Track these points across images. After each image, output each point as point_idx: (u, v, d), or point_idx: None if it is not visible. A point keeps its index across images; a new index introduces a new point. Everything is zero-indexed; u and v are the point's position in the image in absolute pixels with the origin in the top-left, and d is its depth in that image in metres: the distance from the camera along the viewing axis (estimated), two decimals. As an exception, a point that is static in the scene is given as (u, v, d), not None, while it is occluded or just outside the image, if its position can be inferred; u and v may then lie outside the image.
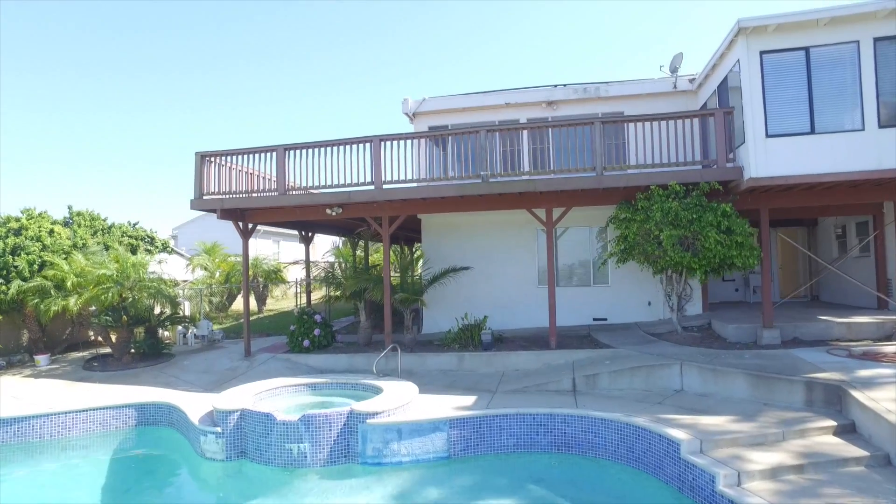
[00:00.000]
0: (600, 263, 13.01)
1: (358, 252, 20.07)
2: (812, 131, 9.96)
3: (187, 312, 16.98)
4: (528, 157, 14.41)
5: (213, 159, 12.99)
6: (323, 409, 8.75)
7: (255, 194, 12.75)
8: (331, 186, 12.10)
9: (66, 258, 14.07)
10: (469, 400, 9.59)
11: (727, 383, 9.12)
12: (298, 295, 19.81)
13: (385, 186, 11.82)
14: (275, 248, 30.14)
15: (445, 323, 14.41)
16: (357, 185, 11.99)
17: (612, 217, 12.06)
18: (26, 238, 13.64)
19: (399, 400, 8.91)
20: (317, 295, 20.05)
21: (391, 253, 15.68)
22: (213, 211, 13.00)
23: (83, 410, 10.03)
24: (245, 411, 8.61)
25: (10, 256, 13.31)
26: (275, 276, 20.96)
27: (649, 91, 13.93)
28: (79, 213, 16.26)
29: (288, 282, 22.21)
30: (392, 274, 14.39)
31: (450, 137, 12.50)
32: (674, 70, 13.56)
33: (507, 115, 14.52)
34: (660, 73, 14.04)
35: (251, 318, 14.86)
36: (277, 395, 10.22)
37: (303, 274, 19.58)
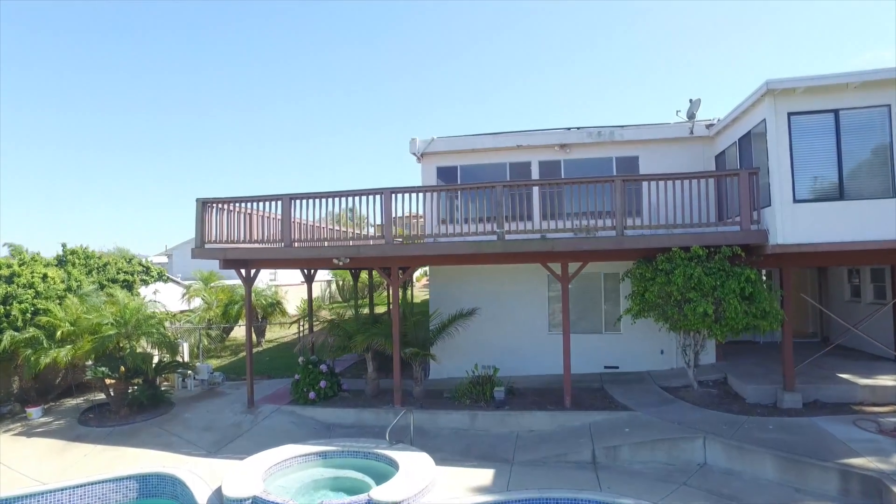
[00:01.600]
0: (616, 320, 12.70)
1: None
2: (841, 197, 9.67)
3: (186, 354, 16.46)
4: (539, 203, 14.09)
5: (215, 206, 12.51)
6: (338, 496, 8.36)
7: (258, 244, 12.28)
8: (339, 240, 11.68)
9: (59, 303, 13.54)
10: (487, 476, 9.24)
11: (754, 462, 8.82)
12: (301, 328, 19.34)
13: (396, 241, 11.41)
14: (272, 271, 29.54)
15: (454, 367, 14.07)
16: (366, 238, 11.57)
17: (629, 272, 11.74)
18: (18, 286, 13.09)
19: (418, 482, 8.53)
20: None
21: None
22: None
23: (81, 486, 9.55)
24: (257, 500, 8.20)
25: (2, 306, 12.76)
26: (274, 310, 20.50)
27: (665, 136, 13.61)
28: (73, 252, 15.70)
29: (289, 315, 21.73)
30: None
31: (465, 186, 12.03)
32: (691, 116, 13.25)
33: (518, 157, 14.15)
34: (676, 118, 13.74)
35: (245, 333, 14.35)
36: (287, 469, 9.80)
37: (304, 292, 19.06)
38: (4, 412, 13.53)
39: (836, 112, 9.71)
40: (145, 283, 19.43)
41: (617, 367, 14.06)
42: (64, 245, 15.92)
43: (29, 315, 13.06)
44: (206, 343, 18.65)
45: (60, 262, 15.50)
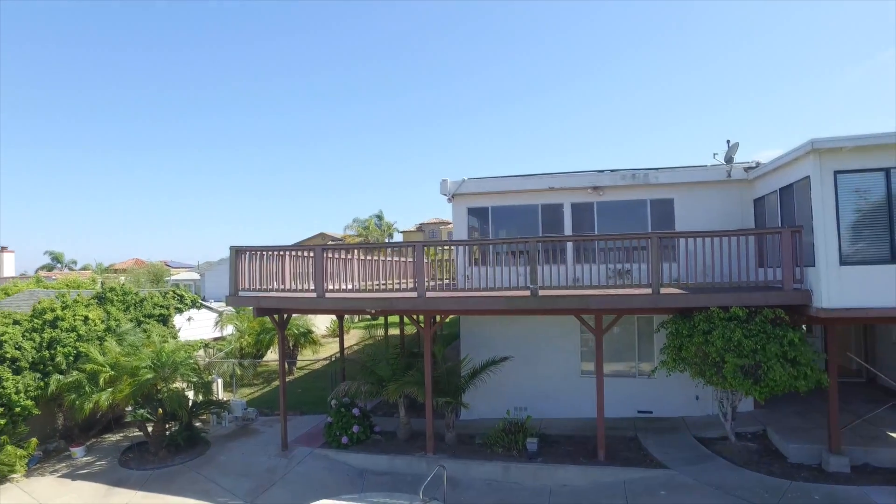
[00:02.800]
0: (651, 371, 12.47)
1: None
2: (892, 260, 9.29)
3: (220, 389, 16.74)
4: (571, 246, 13.93)
5: (248, 254, 12.66)
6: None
7: (292, 293, 12.37)
8: (371, 290, 11.72)
9: (100, 344, 13.89)
10: (522, 544, 9.16)
11: (799, 539, 8.57)
12: (332, 358, 19.48)
13: (428, 294, 11.38)
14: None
15: (486, 408, 14.03)
16: (399, 290, 11.58)
17: (664, 323, 11.51)
18: (62, 330, 13.46)
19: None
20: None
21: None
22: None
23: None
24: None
25: (47, 351, 13.15)
26: (306, 338, 20.69)
27: (701, 179, 13.30)
28: (111, 289, 16.09)
29: (320, 339, 21.90)
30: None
31: (498, 241, 11.91)
32: (729, 160, 12.90)
33: (550, 198, 13.98)
34: (712, 161, 13.40)
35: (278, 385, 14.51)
36: (322, 529, 9.84)
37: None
38: (50, 449, 13.95)
39: (886, 171, 9.33)
40: (179, 311, 19.75)
41: (651, 412, 13.83)
42: (103, 283, 16.28)
43: (72, 358, 13.42)
44: (239, 372, 18.94)
45: (100, 298, 15.89)
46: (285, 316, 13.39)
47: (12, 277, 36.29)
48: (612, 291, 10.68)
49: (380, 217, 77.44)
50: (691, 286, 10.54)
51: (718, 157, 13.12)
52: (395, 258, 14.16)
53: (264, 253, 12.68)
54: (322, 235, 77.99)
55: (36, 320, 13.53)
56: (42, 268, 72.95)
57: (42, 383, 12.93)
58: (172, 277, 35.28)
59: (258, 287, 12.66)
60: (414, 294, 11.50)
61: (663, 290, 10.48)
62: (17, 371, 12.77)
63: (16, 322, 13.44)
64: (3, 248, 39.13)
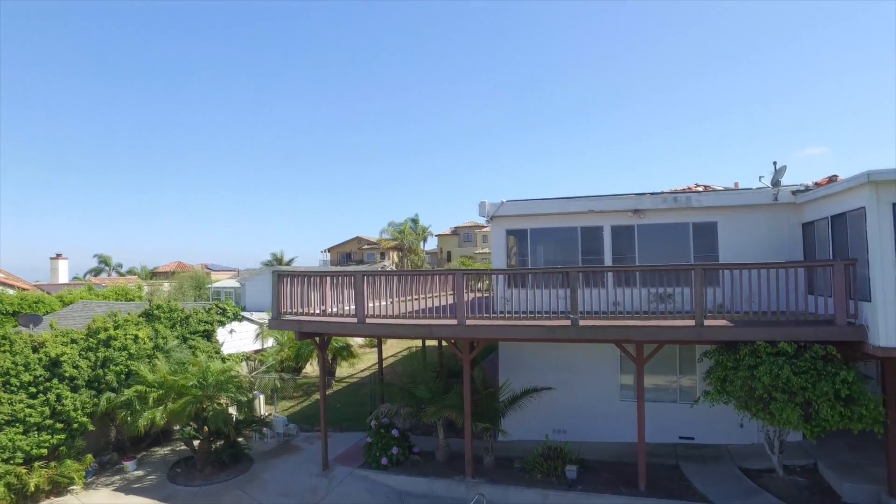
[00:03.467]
0: (692, 403, 12.22)
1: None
2: (954, 297, 8.89)
3: (262, 405, 17.14)
4: (611, 265, 13.77)
5: (288, 278, 12.95)
6: None
7: (333, 318, 12.58)
8: (412, 316, 11.83)
9: (149, 362, 14.39)
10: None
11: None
12: (371, 371, 19.67)
13: (468, 323, 11.41)
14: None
15: (524, 429, 13.98)
16: (439, 317, 11.66)
17: (708, 353, 11.28)
18: (114, 349, 14.00)
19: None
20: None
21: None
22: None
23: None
24: None
25: (101, 369, 13.69)
26: (345, 352, 21.00)
27: (745, 203, 12.95)
28: (158, 306, 16.64)
29: (358, 356, 22.19)
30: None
31: (537, 270, 11.86)
32: (776, 183, 12.53)
33: (589, 221, 13.83)
34: (758, 183, 13.05)
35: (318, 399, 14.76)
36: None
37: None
38: (104, 461, 14.52)
39: (947, 204, 8.93)
40: (222, 324, 20.28)
41: (692, 439, 13.56)
42: (150, 301, 16.88)
43: (123, 376, 13.95)
44: (279, 385, 19.32)
45: (148, 316, 16.45)
46: (326, 338, 13.61)
47: (66, 284, 37.82)
48: (653, 323, 10.50)
49: (415, 221, 77.93)
50: (736, 319, 10.28)
51: (765, 179, 12.77)
52: (431, 273, 14.22)
53: (305, 278, 12.95)
54: (358, 239, 79.01)
55: (91, 339, 14.10)
56: (91, 271, 75.86)
57: (97, 400, 13.48)
58: (214, 285, 36.20)
59: (300, 311, 12.93)
60: (454, 321, 11.56)
61: (707, 322, 10.25)
62: (75, 389, 13.35)
63: (73, 341, 14.03)
64: (57, 255, 40.86)
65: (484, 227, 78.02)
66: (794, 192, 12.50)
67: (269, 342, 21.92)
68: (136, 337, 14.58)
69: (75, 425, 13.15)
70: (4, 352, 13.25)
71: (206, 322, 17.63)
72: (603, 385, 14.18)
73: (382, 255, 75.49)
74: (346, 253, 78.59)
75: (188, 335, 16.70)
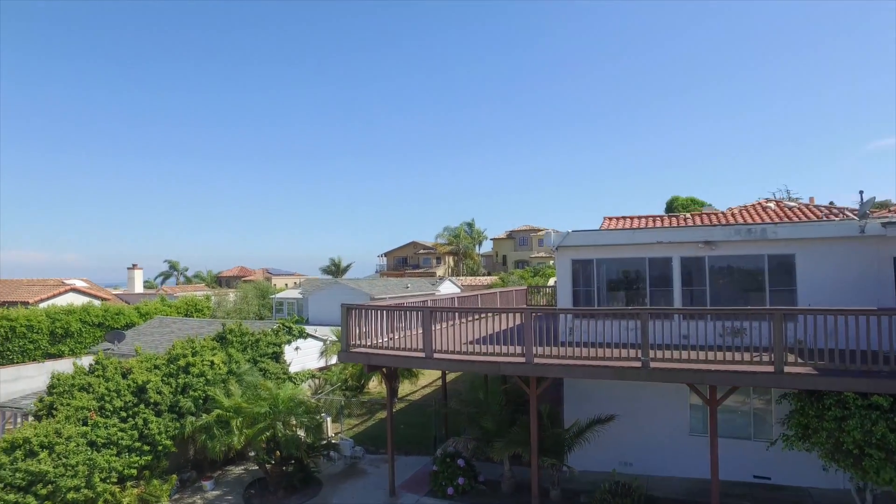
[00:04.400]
0: (769, 444, 11.77)
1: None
2: None
3: (329, 426, 17.64)
4: (680, 299, 13.45)
5: (356, 311, 13.32)
6: None
7: (401, 352, 12.81)
8: (479, 354, 11.92)
9: (224, 386, 15.07)
10: None
11: None
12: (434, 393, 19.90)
13: (536, 360, 11.40)
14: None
15: (590, 460, 13.85)
16: (506, 354, 11.70)
17: (787, 396, 10.85)
18: (193, 376, 14.74)
19: None
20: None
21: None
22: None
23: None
24: None
25: (182, 395, 14.45)
26: (408, 373, 21.34)
27: (828, 235, 12.33)
28: (230, 330, 17.38)
29: (418, 375, 22.49)
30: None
31: (606, 311, 11.71)
32: (863, 215, 11.90)
33: (657, 252, 13.54)
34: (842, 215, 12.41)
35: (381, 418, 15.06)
36: None
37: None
38: (185, 478, 15.30)
39: None
40: (288, 342, 20.99)
41: (768, 479, 13.07)
42: (224, 324, 17.66)
43: (201, 401, 14.67)
44: (343, 402, 19.84)
45: (221, 339, 17.21)
46: (395, 369, 13.89)
47: (142, 294, 40.01)
48: (727, 367, 10.15)
49: (470, 225, 78.20)
50: (821, 367, 9.83)
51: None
52: (498, 311, 14.24)
53: (371, 311, 13.26)
54: (414, 244, 79.91)
55: (171, 366, 14.90)
56: (161, 275, 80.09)
57: (178, 424, 14.24)
58: (276, 295, 37.45)
59: (368, 343, 13.27)
60: (521, 359, 11.57)
61: (787, 369, 9.86)
62: (158, 413, 14.13)
63: (156, 367, 14.86)
64: (133, 265, 43.24)
65: (540, 230, 77.21)
66: (884, 225, 11.83)
67: (333, 359, 22.52)
68: (212, 363, 15.29)
69: (160, 447, 13.93)
70: (98, 377, 14.18)
71: (274, 344, 18.29)
72: (672, 417, 13.86)
73: (438, 260, 76.02)
74: (402, 258, 79.55)
75: (258, 358, 17.37)
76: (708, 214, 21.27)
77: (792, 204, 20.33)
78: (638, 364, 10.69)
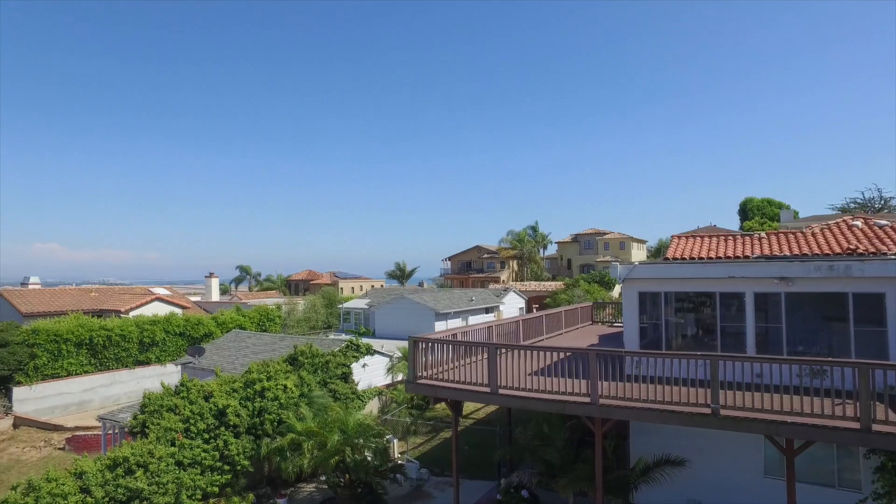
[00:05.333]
0: (860, 501, 11.16)
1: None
2: None
3: (395, 448, 18.13)
4: (752, 332, 12.97)
5: (422, 343, 13.65)
6: None
7: (467, 386, 13.02)
8: (544, 392, 11.98)
9: (296, 409, 15.82)
10: None
11: None
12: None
13: (602, 401, 11.34)
14: (462, 323, 31.02)
15: (656, 495, 13.55)
16: (572, 394, 11.69)
17: (876, 451, 10.27)
18: (268, 400, 15.56)
19: None
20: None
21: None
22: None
23: None
24: None
25: (258, 418, 15.29)
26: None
27: (922, 273, 11.54)
28: (301, 353, 18.16)
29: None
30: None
31: (676, 355, 11.48)
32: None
33: (729, 286, 13.09)
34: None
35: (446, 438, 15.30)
36: None
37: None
38: (260, 495, 16.19)
39: None
40: (356, 358, 21.70)
41: (855, 530, 12.37)
42: (296, 346, 18.48)
43: (275, 424, 15.48)
44: (409, 421, 20.31)
45: (292, 360, 18.05)
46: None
47: (220, 304, 42.32)
48: (806, 420, 9.72)
49: (534, 228, 77.69)
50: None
51: None
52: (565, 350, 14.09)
53: (437, 344, 13.56)
54: (478, 248, 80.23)
55: (248, 390, 15.80)
56: (234, 280, 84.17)
57: (254, 445, 15.10)
58: (343, 305, 38.62)
59: (435, 373, 13.59)
60: (587, 399, 11.52)
61: (876, 427, 9.34)
62: (237, 435, 15.04)
63: (234, 390, 15.80)
64: (210, 273, 45.79)
65: (606, 233, 75.78)
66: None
67: (399, 376, 23.07)
68: (285, 387, 16.09)
69: (239, 467, 14.84)
70: (183, 398, 15.24)
71: (343, 365, 18.99)
72: (745, 456, 13.33)
73: (502, 265, 75.94)
74: (466, 262, 79.97)
75: (328, 379, 18.10)
76: (785, 233, 20.27)
77: (883, 223, 19.03)
78: (707, 410, 10.43)
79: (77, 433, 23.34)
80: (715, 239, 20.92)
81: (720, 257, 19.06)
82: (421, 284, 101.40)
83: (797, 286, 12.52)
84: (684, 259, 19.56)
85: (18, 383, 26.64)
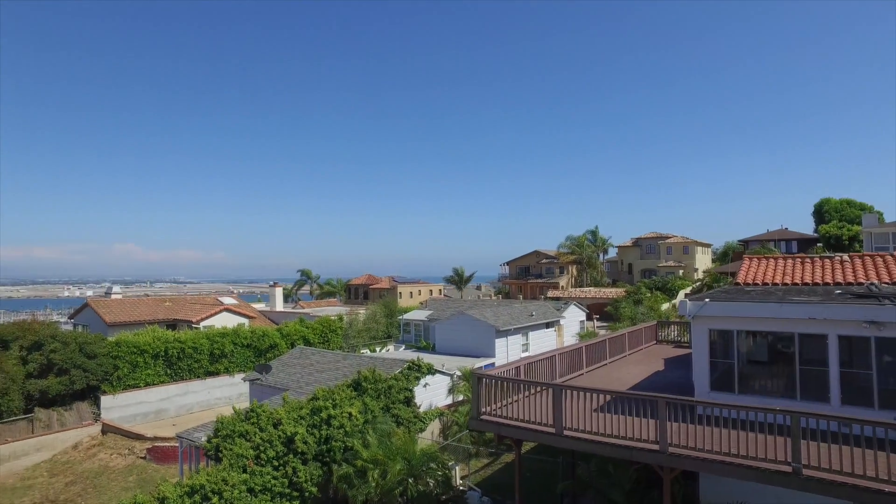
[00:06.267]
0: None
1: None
2: None
3: (458, 476, 18.21)
4: (837, 377, 12.22)
5: (485, 379, 13.63)
6: None
7: (532, 425, 12.91)
8: (610, 436, 11.72)
9: (361, 437, 16.15)
10: None
11: None
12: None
13: (671, 450, 10.98)
14: (523, 340, 30.81)
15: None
16: (640, 440, 11.39)
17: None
18: (334, 428, 15.95)
19: None
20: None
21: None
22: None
23: None
24: None
25: (324, 445, 15.71)
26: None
27: None
28: (365, 378, 18.50)
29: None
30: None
31: (752, 407, 10.98)
32: None
33: (810, 327, 12.36)
34: None
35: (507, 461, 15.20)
36: None
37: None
38: (325, 515, 16.66)
39: None
40: (417, 379, 21.92)
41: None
42: (360, 372, 18.85)
43: (341, 451, 15.84)
44: (471, 447, 20.34)
45: (356, 385, 18.41)
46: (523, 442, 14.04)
47: (284, 314, 43.77)
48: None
49: (594, 233, 76.20)
50: None
51: None
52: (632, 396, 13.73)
53: (500, 381, 13.52)
54: (536, 253, 79.42)
55: (315, 417, 16.24)
56: (296, 283, 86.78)
57: (321, 472, 15.52)
58: (403, 316, 39.12)
59: (496, 411, 13.55)
60: (656, 446, 11.20)
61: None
62: (305, 462, 15.49)
63: (301, 417, 16.28)
64: (273, 283, 47.43)
65: (668, 237, 73.24)
66: None
67: (461, 396, 23.14)
68: (350, 414, 16.44)
69: (307, 493, 15.27)
70: (253, 424, 15.84)
71: (406, 389, 19.23)
72: (828, 506, 12.62)
73: (561, 270, 74.87)
74: (525, 267, 79.32)
75: (391, 405, 18.38)
76: (871, 256, 19.02)
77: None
78: (788, 469, 9.93)
79: (156, 443, 24.70)
80: (790, 262, 19.89)
81: (796, 283, 18.10)
82: (479, 288, 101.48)
83: (889, 331, 11.69)
84: (756, 284, 18.71)
85: (104, 392, 28.49)
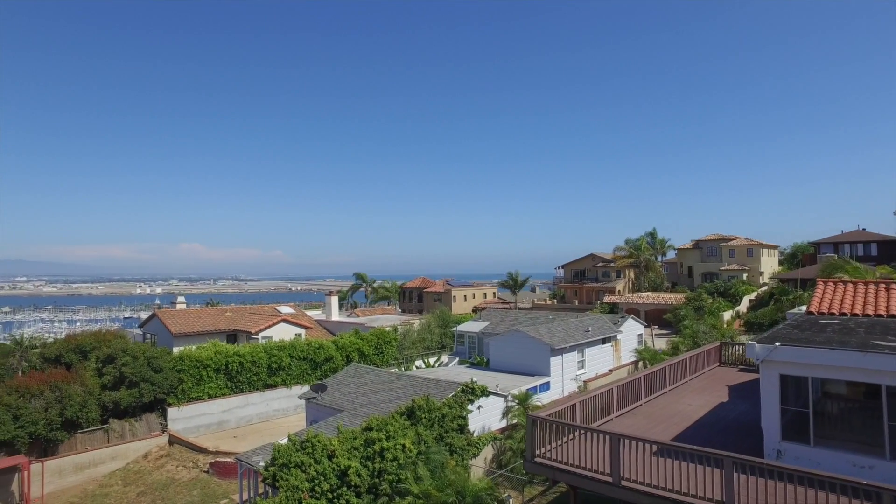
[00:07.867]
0: None
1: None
2: None
3: (512, 508, 17.93)
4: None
5: (538, 422, 13.29)
6: None
7: (588, 471, 12.48)
8: (666, 489, 11.17)
9: (414, 468, 16.09)
10: None
11: None
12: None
13: (738, 512, 10.33)
14: (579, 357, 30.09)
15: None
16: (703, 498, 10.77)
17: None
18: (387, 460, 15.97)
19: None
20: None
21: None
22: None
23: None
24: None
25: (377, 478, 15.74)
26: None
27: None
28: (419, 406, 18.44)
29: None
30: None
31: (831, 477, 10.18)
32: None
33: (888, 379, 11.35)
34: None
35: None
36: None
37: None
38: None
39: None
40: (471, 401, 21.73)
41: None
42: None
43: (394, 483, 15.84)
44: (526, 476, 19.96)
45: (410, 413, 18.39)
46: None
47: (340, 323, 44.52)
48: None
49: (652, 235, 73.89)
50: None
51: None
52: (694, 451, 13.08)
53: (560, 426, 13.14)
54: (592, 256, 77.70)
55: (368, 449, 16.32)
56: (351, 287, 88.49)
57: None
58: (457, 328, 38.99)
59: (550, 453, 13.18)
60: (720, 499, 10.58)
61: None
62: (358, 494, 15.58)
63: (354, 448, 16.38)
64: (329, 292, 48.24)
65: (731, 239, 70.00)
66: None
67: (515, 420, 22.78)
68: (404, 447, 16.41)
69: (360, 526, 15.35)
70: (308, 454, 16.05)
71: (459, 417, 19.06)
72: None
73: (617, 274, 72.95)
74: (580, 270, 77.80)
75: (444, 433, 18.25)
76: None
77: None
78: (872, 542, 9.12)
79: (218, 458, 25.58)
80: (872, 288, 18.45)
81: (880, 315, 16.77)
82: (533, 290, 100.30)
83: None
84: (832, 314, 17.46)
85: (170, 404, 29.75)
